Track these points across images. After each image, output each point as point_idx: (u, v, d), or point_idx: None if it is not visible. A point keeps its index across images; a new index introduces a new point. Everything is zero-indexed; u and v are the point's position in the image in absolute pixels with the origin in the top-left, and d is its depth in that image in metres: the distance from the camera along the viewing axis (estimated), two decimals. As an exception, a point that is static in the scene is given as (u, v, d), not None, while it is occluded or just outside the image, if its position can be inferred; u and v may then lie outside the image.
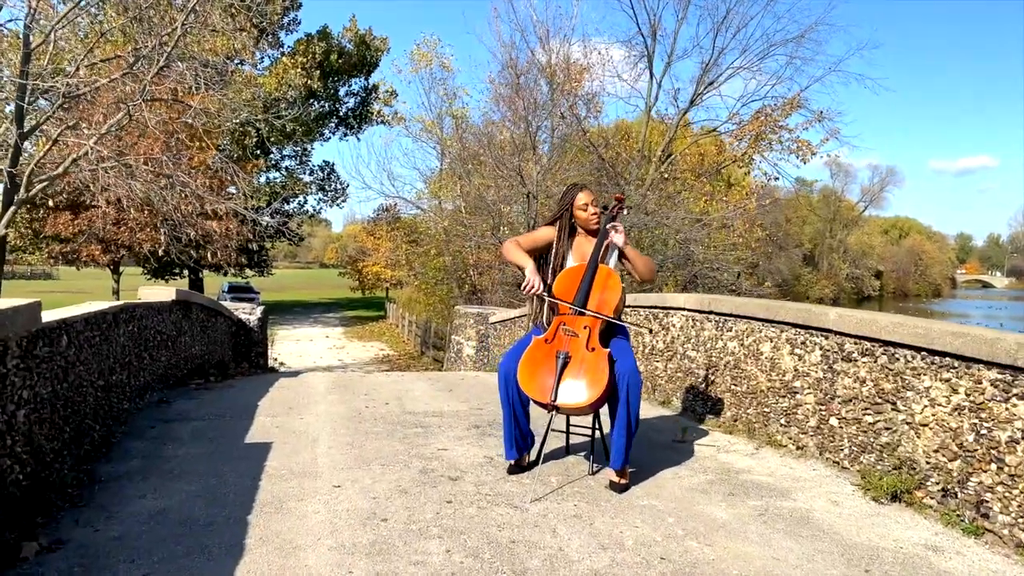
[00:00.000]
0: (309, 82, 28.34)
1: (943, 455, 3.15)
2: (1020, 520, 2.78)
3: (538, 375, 3.35)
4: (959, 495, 3.05)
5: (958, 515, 3.05)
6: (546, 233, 3.76)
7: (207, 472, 3.50)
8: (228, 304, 10.25)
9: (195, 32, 12.13)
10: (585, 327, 3.42)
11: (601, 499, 3.27)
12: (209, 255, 14.42)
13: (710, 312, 5.00)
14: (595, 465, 3.67)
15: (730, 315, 4.79)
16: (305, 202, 37.45)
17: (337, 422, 4.67)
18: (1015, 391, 2.84)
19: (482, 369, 10.74)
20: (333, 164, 37.99)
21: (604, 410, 3.56)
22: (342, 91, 35.52)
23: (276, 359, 16.51)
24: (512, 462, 3.61)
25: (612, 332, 3.54)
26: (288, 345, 24.91)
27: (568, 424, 3.94)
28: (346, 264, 49.15)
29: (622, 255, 3.70)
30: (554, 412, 3.37)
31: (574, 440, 4.03)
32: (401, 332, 30.20)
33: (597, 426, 3.72)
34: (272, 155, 34.22)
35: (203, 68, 10.60)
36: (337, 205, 38.60)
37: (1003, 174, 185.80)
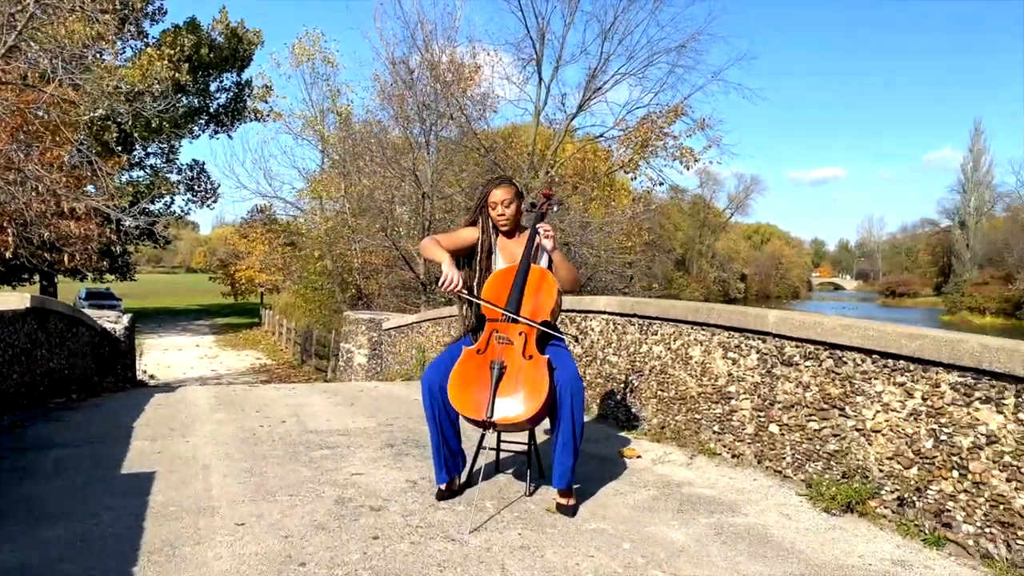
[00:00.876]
0: (177, 75, 26.61)
1: (899, 463, 3.02)
2: (986, 529, 2.67)
3: (471, 390, 2.98)
4: (917, 504, 2.93)
5: (917, 525, 2.92)
6: (469, 233, 3.39)
7: (77, 513, 2.92)
8: (88, 312, 9.25)
9: (49, 13, 10.96)
10: (521, 333, 3.08)
11: (546, 524, 2.95)
12: (66, 259, 13.05)
13: (633, 315, 4.79)
14: (531, 485, 3.34)
15: (656, 318, 4.59)
16: (172, 202, 35.24)
17: (230, 445, 4.13)
18: (977, 394, 2.73)
19: (375, 379, 10.22)
20: (203, 163, 36.05)
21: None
22: (213, 86, 33.68)
23: (145, 371, 15.27)
24: (442, 487, 3.22)
25: (548, 337, 3.21)
26: (155, 355, 23.24)
27: (499, 440, 3.60)
28: (216, 268, 46.79)
29: (549, 260, 3.38)
30: (489, 430, 3.02)
31: (503, 456, 3.69)
32: (279, 340, 28.86)
33: (532, 442, 3.40)
34: (136, 152, 32.02)
35: (60, 51, 9.54)
36: (208, 206, 36.65)
37: (852, 184, 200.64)
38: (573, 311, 5.47)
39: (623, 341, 4.91)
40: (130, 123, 26.27)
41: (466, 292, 3.18)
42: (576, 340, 5.38)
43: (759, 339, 3.80)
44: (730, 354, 3.99)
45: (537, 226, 3.28)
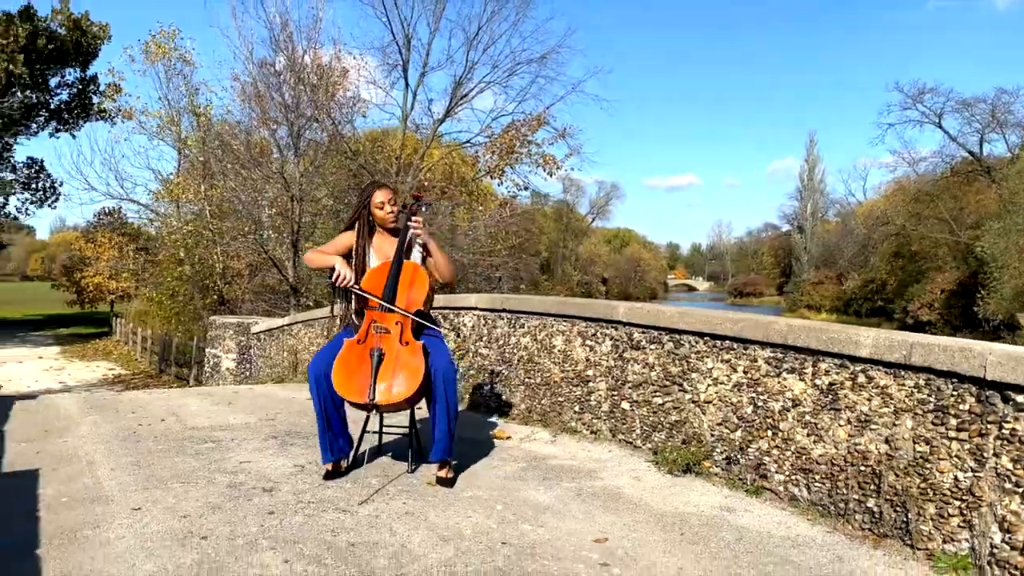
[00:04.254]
0: (11, 67, 24.77)
1: (726, 427, 3.57)
2: (792, 477, 3.25)
3: (354, 376, 3.29)
4: (741, 461, 3.49)
5: (740, 479, 3.48)
6: (346, 238, 3.71)
7: (-35, 508, 2.97)
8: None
9: None
10: (397, 323, 3.41)
11: (427, 495, 3.28)
12: None
13: (502, 310, 5.19)
14: (413, 464, 3.66)
15: (523, 312, 5.01)
16: (6, 203, 32.57)
17: (111, 442, 4.18)
18: (785, 366, 3.30)
19: (246, 382, 10.14)
20: (42, 160, 33.50)
21: (418, 410, 3.57)
22: (53, 81, 31.45)
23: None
24: (329, 467, 3.49)
25: (423, 325, 3.55)
26: (-9, 368, 21.55)
27: (381, 425, 3.89)
28: (60, 275, 43.72)
29: (426, 254, 3.73)
30: (372, 412, 3.34)
31: (386, 439, 3.99)
32: (132, 349, 27.44)
33: (413, 425, 3.72)
34: (-38, 150, 29.45)
35: None
36: (50, 205, 34.08)
37: (705, 191, 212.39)
38: (447, 308, 5.82)
39: (493, 334, 5.31)
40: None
41: (358, 288, 3.48)
42: (442, 330, 5.70)
43: (612, 327, 4.30)
44: (588, 342, 4.47)
45: (409, 221, 3.62)
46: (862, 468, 2.97)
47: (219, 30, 35.15)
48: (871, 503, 2.92)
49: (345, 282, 3.42)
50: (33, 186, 32.81)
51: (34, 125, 31.76)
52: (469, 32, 19.72)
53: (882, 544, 2.84)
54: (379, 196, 3.64)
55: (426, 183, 17.37)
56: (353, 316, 3.63)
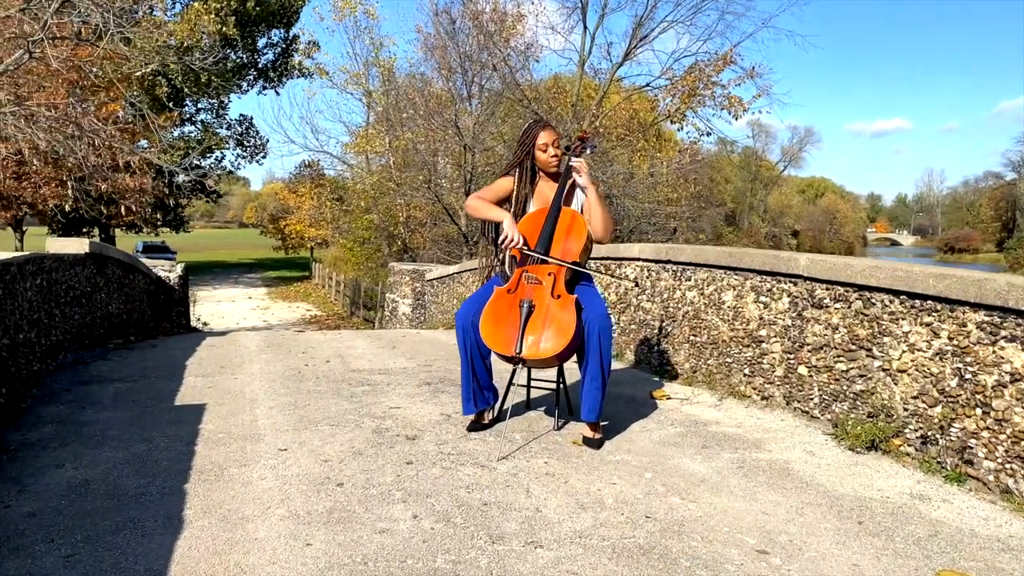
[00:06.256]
0: (224, 29, 26.83)
1: (923, 401, 3.05)
2: (1007, 465, 2.70)
3: (502, 327, 3.11)
4: (940, 442, 2.96)
5: (939, 462, 2.96)
6: (506, 183, 3.47)
7: (134, 438, 3.14)
8: (143, 262, 9.61)
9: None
10: (550, 274, 3.19)
11: (571, 455, 3.07)
12: (123, 210, 13.51)
13: (667, 261, 4.83)
14: (559, 420, 3.46)
15: (689, 264, 4.62)
16: (223, 157, 35.87)
17: (276, 381, 4.33)
18: (1003, 333, 2.73)
19: (419, 327, 10.44)
20: (252, 118, 36.46)
21: (567, 364, 3.34)
22: (261, 42, 33.90)
23: (199, 319, 15.82)
24: (471, 418, 3.37)
25: (578, 277, 3.30)
26: (208, 306, 23.96)
27: (529, 378, 3.72)
28: (267, 223, 47.80)
29: (585, 201, 3.44)
30: (519, 366, 3.14)
31: (534, 394, 3.82)
32: (328, 293, 29.49)
33: (561, 380, 3.51)
34: (187, 108, 32.57)
35: (111, 5, 9.73)
36: (257, 161, 37.18)
37: (916, 136, 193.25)
38: (608, 259, 5.52)
39: (657, 287, 4.95)
40: (180, 78, 26.75)
41: (527, 249, 3.24)
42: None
43: (791, 282, 3.82)
44: (762, 298, 4.02)
45: (571, 162, 3.33)
46: (1103, 463, 2.39)
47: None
48: (1113, 507, 2.35)
49: (514, 245, 3.19)
50: (244, 142, 35.85)
51: (244, 84, 34.54)
52: (651, -31, 18.72)
53: None
54: (543, 137, 3.38)
55: (602, 130, 16.89)
56: (505, 265, 3.45)
